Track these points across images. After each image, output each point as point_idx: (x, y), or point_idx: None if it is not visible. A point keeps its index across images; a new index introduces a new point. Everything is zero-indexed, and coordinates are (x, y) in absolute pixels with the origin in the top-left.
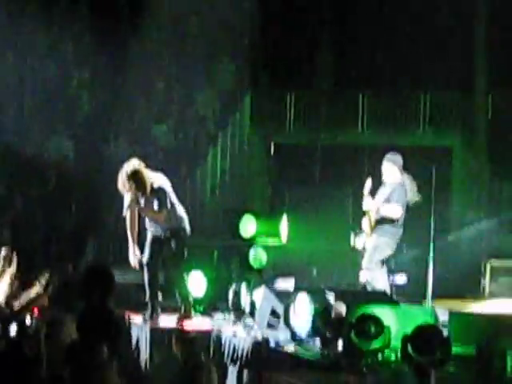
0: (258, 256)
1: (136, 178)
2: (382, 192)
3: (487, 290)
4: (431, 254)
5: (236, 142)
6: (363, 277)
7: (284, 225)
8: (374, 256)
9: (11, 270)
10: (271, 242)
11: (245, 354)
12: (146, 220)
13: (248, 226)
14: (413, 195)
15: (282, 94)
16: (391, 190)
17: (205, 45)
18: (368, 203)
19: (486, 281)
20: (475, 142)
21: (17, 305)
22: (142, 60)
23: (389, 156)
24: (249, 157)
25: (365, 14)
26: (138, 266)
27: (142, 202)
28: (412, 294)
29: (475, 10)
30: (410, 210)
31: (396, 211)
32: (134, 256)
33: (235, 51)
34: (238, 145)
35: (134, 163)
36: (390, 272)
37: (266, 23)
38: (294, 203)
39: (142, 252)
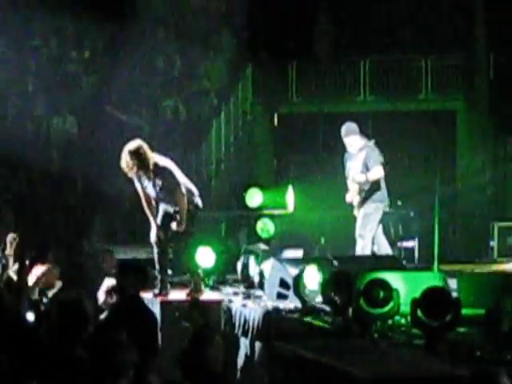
0: (265, 227)
1: (139, 155)
2: (355, 164)
3: (496, 251)
4: (437, 217)
5: (239, 114)
6: (358, 245)
7: (290, 194)
8: (367, 224)
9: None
10: (278, 212)
11: (256, 325)
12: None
13: (254, 197)
14: (379, 155)
15: (283, 64)
16: (364, 156)
17: (204, 17)
18: (351, 182)
19: (495, 242)
20: (478, 102)
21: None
22: (142, 36)
23: (345, 130)
24: (253, 128)
25: None
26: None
27: (146, 181)
28: (421, 258)
29: None
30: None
31: (379, 172)
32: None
33: (235, 22)
34: (242, 116)
35: (137, 141)
36: (399, 238)
37: None
38: (300, 173)
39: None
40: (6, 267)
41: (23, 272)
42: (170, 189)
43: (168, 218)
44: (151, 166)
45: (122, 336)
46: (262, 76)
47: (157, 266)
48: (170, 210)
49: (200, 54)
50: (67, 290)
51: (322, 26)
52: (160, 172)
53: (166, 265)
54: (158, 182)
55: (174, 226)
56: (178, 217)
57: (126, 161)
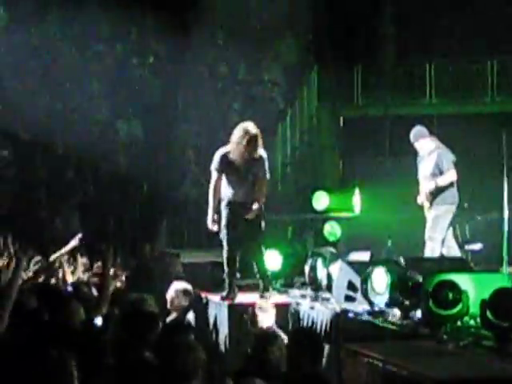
0: (332, 230)
1: (255, 136)
2: (427, 166)
3: None
4: (506, 220)
5: (305, 118)
6: (428, 248)
7: (356, 197)
8: (437, 225)
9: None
10: (344, 214)
11: (324, 327)
12: (228, 185)
13: (321, 200)
14: (451, 154)
15: (348, 67)
16: (436, 159)
17: (268, 21)
18: (423, 185)
19: None
20: None
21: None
22: (206, 40)
23: (413, 135)
24: (318, 131)
25: None
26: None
27: (239, 163)
28: (488, 260)
29: None
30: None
31: (452, 175)
32: (213, 222)
33: (299, 26)
34: (307, 120)
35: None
36: (465, 240)
37: None
38: (366, 175)
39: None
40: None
41: (106, 277)
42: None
43: (236, 214)
44: (257, 153)
45: (190, 337)
46: (327, 79)
47: (225, 268)
48: (242, 201)
49: (264, 58)
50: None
51: (386, 28)
52: (260, 160)
53: (234, 267)
54: (255, 171)
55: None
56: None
57: (237, 138)
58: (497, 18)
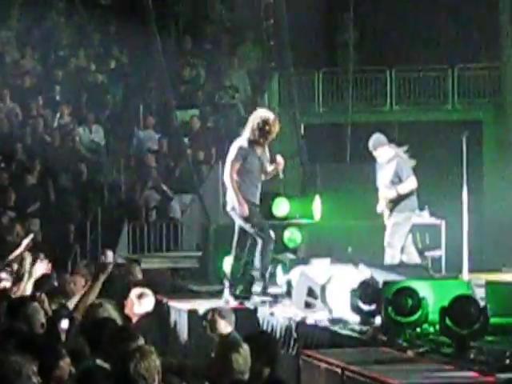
0: (292, 236)
1: (273, 124)
2: (386, 174)
3: None
4: (466, 228)
5: None
6: (387, 254)
7: (317, 204)
8: (396, 232)
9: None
10: (305, 221)
11: (283, 334)
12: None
13: (281, 206)
14: (410, 160)
15: (309, 74)
16: (395, 167)
17: (231, 27)
18: (382, 193)
19: None
20: (505, 112)
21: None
22: (169, 46)
23: (372, 143)
24: (279, 138)
25: None
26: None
27: (259, 152)
28: (448, 268)
29: None
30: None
31: (412, 183)
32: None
33: (261, 32)
34: None
35: None
36: (426, 247)
37: (290, 2)
38: (326, 182)
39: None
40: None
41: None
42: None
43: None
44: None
45: (143, 343)
46: (288, 86)
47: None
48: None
49: (226, 64)
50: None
51: (347, 36)
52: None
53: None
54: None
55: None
56: None
57: (254, 124)
58: (457, 26)
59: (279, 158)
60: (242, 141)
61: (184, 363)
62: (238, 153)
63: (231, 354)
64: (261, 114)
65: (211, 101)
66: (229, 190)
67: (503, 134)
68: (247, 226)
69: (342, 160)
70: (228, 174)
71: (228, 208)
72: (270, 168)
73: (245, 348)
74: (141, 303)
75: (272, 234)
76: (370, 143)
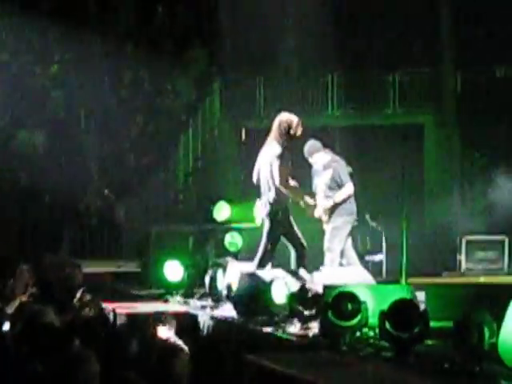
0: (233, 240)
1: (297, 127)
2: (323, 180)
3: (463, 265)
4: (405, 232)
5: (207, 129)
6: (327, 259)
7: (258, 208)
8: (335, 237)
9: None
10: (246, 225)
11: (224, 338)
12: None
13: (222, 211)
14: (347, 167)
15: (250, 79)
16: (332, 173)
17: (172, 32)
18: (319, 199)
19: (462, 255)
20: (446, 117)
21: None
22: (111, 50)
23: (307, 150)
24: (220, 143)
25: None
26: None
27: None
28: (388, 272)
29: None
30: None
31: (349, 189)
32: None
33: (202, 38)
34: (209, 131)
35: None
36: (367, 251)
37: (234, 7)
38: None
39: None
40: None
41: None
42: None
43: None
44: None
45: (80, 348)
46: (229, 91)
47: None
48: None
49: (168, 69)
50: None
51: (289, 40)
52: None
53: None
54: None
55: None
56: None
57: (282, 127)
58: (399, 31)
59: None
60: (274, 147)
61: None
62: (278, 158)
63: (171, 360)
64: (285, 117)
65: (152, 105)
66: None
67: (444, 137)
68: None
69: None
70: (278, 182)
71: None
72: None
73: (185, 353)
74: (83, 308)
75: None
76: (306, 149)
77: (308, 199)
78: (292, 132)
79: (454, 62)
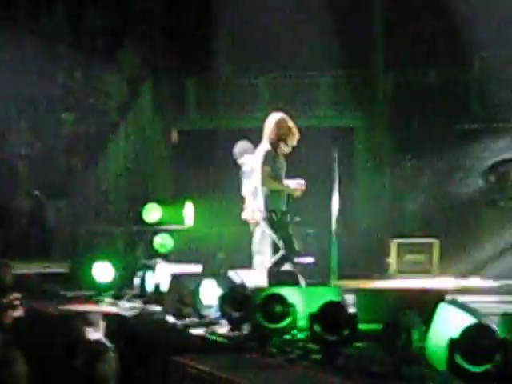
0: (163, 242)
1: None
2: (252, 182)
3: (393, 267)
4: (335, 234)
5: (138, 130)
6: (257, 261)
7: (188, 209)
8: (265, 239)
9: None
10: (176, 227)
11: (153, 340)
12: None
13: (152, 212)
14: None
15: (182, 80)
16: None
17: (104, 33)
18: (249, 201)
19: (392, 259)
20: (377, 121)
21: None
22: (42, 49)
23: (238, 151)
24: (151, 144)
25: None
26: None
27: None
28: (318, 275)
29: None
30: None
31: None
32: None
33: (134, 38)
34: (140, 132)
35: None
36: (296, 254)
37: (167, 9)
38: (198, 188)
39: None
40: None
41: None
42: None
43: None
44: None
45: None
46: (161, 92)
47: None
48: None
49: (100, 69)
50: None
51: (220, 42)
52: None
53: None
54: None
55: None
56: None
57: (277, 129)
58: (331, 34)
59: (301, 182)
60: (265, 146)
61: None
62: (267, 157)
63: (98, 361)
64: (274, 117)
65: (84, 105)
66: (259, 196)
67: (375, 140)
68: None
69: (214, 166)
70: (259, 179)
71: (257, 216)
72: (292, 185)
73: (112, 354)
74: (12, 308)
75: (297, 245)
76: (236, 151)
77: (292, 185)
78: (281, 132)
79: (385, 65)
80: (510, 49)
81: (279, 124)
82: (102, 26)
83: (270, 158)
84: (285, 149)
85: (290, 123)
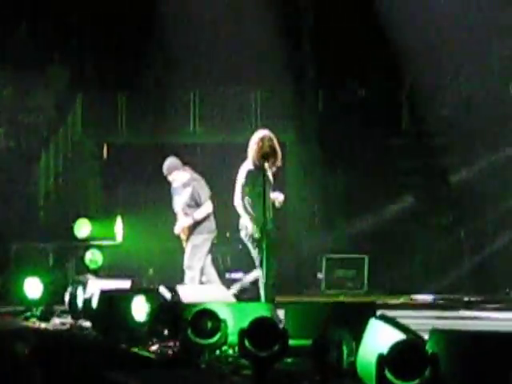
0: (93, 257)
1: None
2: (182, 198)
3: (323, 282)
4: (265, 250)
5: (69, 145)
6: (187, 276)
7: (119, 225)
8: (195, 255)
9: None
10: (106, 242)
11: (82, 355)
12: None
13: (83, 228)
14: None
15: (112, 95)
16: (191, 191)
17: (35, 48)
18: (179, 217)
19: (322, 274)
20: (307, 136)
21: None
22: None
23: (166, 168)
24: (82, 159)
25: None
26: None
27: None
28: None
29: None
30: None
31: (208, 207)
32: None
33: (65, 54)
34: (71, 147)
35: None
36: (227, 269)
37: (97, 24)
38: (129, 204)
39: None
40: None
41: None
42: None
43: None
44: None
45: None
46: (92, 107)
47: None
48: None
49: (30, 84)
50: None
51: (152, 56)
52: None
53: None
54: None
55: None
56: None
57: (261, 149)
58: (262, 48)
59: (279, 195)
60: (248, 165)
61: None
62: (247, 176)
63: (25, 377)
64: (257, 135)
65: (14, 120)
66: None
67: (305, 155)
68: (252, 248)
69: (144, 181)
70: (238, 198)
71: (242, 234)
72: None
73: (39, 371)
74: None
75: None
76: (165, 167)
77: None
78: (262, 150)
79: (316, 80)
80: (440, 70)
81: (261, 142)
82: (31, 41)
83: (250, 178)
84: (268, 169)
85: (274, 142)
